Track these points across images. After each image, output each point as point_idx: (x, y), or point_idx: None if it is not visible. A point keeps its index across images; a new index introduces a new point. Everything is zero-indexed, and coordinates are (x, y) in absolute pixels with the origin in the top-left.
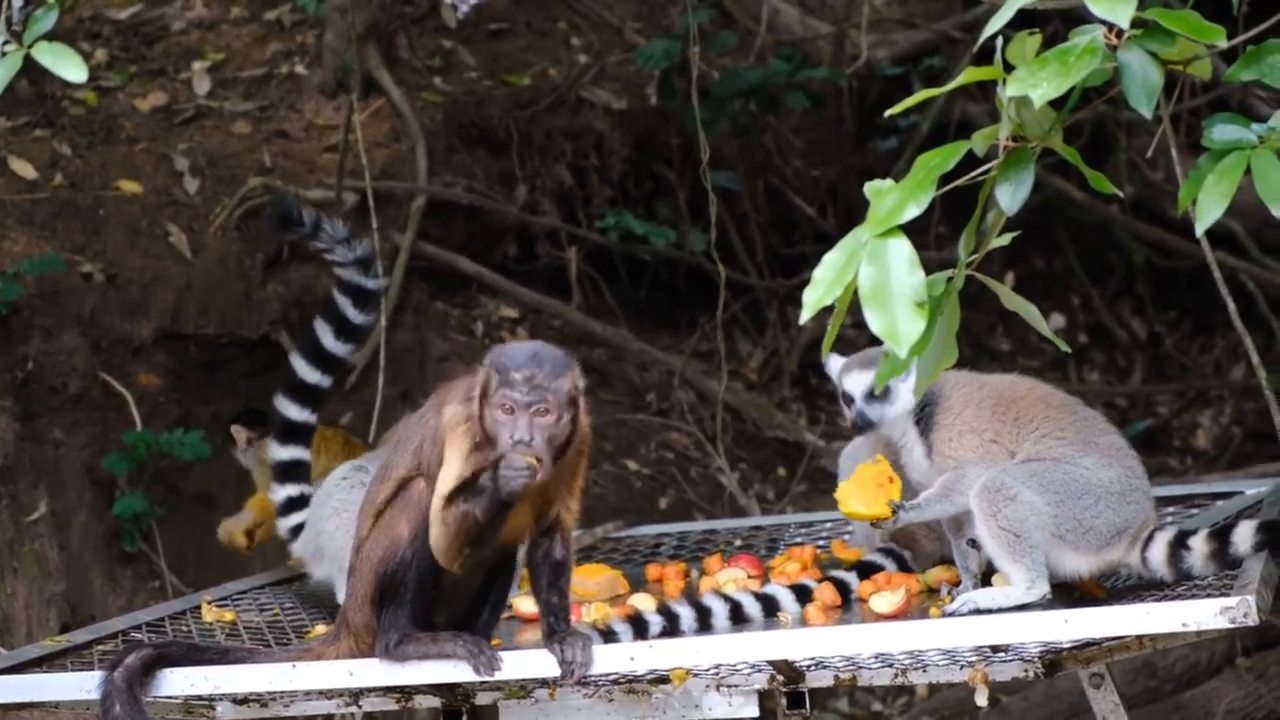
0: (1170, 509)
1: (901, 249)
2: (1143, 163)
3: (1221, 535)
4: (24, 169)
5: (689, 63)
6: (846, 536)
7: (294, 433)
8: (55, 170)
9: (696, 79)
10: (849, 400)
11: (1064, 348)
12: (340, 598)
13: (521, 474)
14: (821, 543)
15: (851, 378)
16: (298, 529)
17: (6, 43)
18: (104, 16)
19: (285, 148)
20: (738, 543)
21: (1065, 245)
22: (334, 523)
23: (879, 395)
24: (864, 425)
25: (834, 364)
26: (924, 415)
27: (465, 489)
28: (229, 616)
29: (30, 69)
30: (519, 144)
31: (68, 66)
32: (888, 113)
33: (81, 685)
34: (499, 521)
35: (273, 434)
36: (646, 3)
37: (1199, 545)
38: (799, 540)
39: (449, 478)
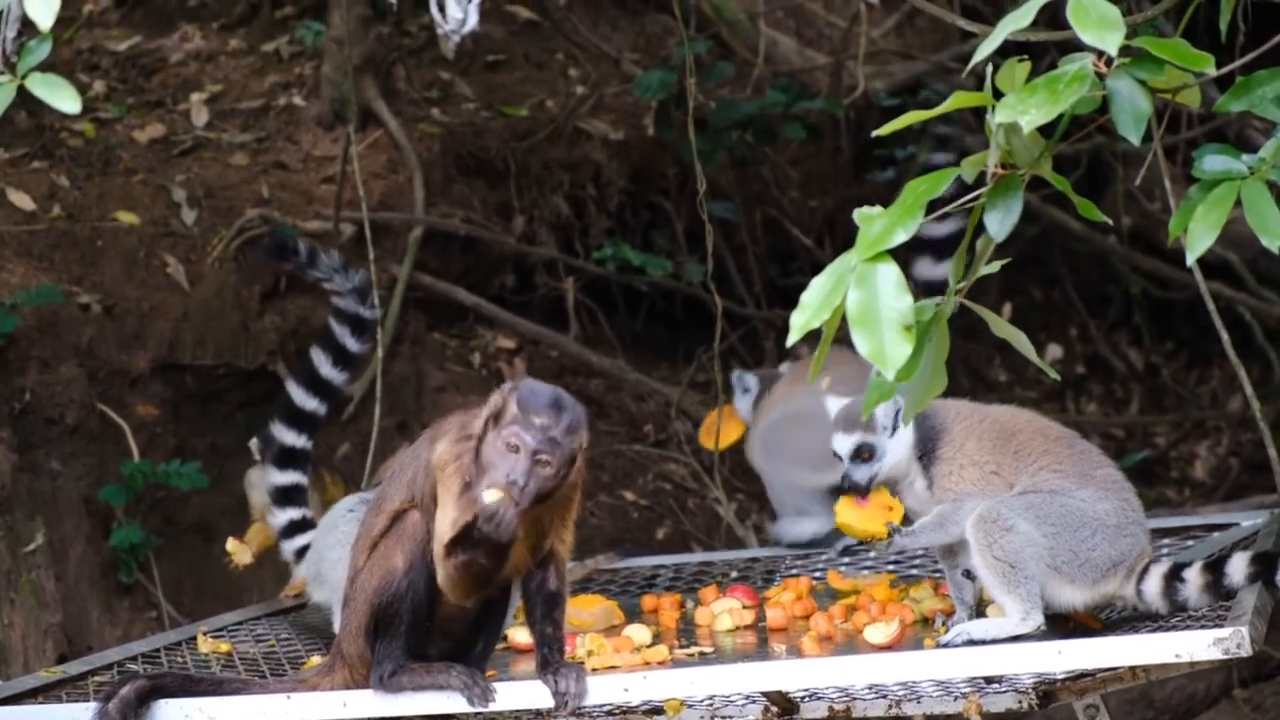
0: (1166, 540)
1: (889, 273)
2: (1140, 194)
3: (1215, 567)
4: (22, 200)
5: (686, 94)
6: (843, 567)
7: (291, 458)
8: (53, 202)
9: (693, 110)
10: (837, 458)
11: (1053, 375)
12: (337, 628)
13: (503, 519)
14: (818, 574)
15: (839, 438)
16: (302, 551)
17: (0, 74)
18: (102, 48)
19: (283, 179)
20: (734, 574)
21: (1063, 276)
22: (338, 553)
23: (865, 458)
24: (851, 488)
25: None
26: (926, 449)
27: (461, 541)
28: (225, 648)
29: (29, 101)
30: (516, 175)
31: (61, 98)
32: (875, 133)
33: (76, 717)
34: (505, 557)
35: (270, 460)
36: (644, 34)
37: (1193, 577)
38: (795, 571)
39: (446, 524)
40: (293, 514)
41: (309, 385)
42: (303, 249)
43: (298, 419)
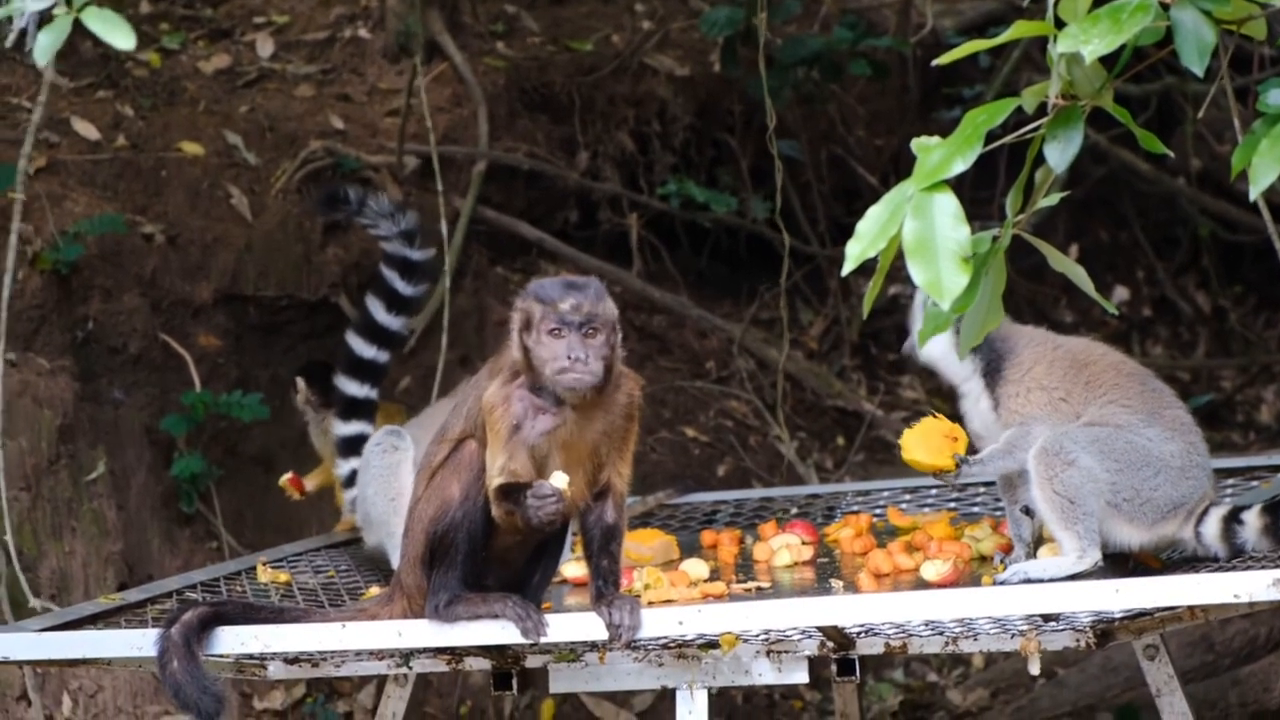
0: (1230, 481)
1: (947, 203)
2: (1210, 136)
3: (1274, 509)
4: (87, 130)
5: (754, 29)
6: (904, 505)
7: (356, 409)
8: (117, 131)
9: (762, 46)
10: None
11: (1111, 309)
12: (393, 562)
13: (548, 503)
14: (878, 511)
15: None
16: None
17: (55, 6)
18: None
19: (348, 111)
20: (794, 510)
21: (1131, 218)
22: (373, 488)
23: None
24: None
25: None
26: (991, 369)
27: (510, 496)
28: (284, 578)
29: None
30: (581, 110)
31: (116, 33)
32: (934, 62)
33: (134, 643)
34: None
35: (335, 411)
36: None
37: (1252, 520)
38: (855, 508)
39: (494, 468)
40: (355, 464)
41: (367, 333)
42: (353, 197)
43: (359, 368)
